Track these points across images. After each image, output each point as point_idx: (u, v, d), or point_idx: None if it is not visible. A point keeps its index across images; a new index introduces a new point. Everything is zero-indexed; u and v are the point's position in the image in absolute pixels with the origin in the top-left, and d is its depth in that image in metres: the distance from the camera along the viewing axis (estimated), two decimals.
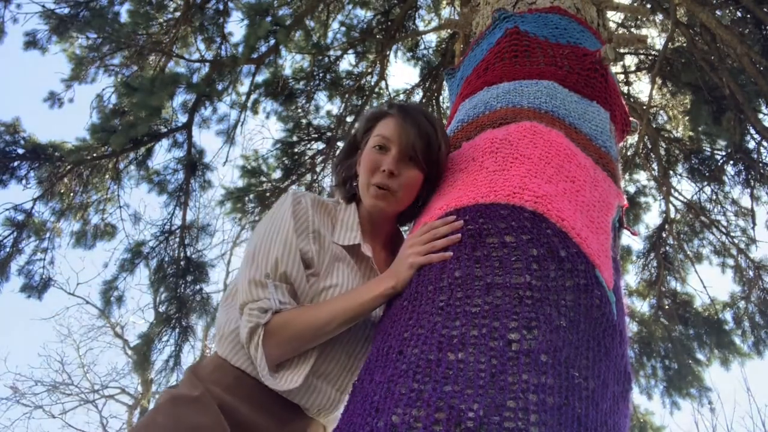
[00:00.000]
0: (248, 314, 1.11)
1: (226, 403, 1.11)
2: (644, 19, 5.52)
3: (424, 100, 6.06)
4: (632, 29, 5.64)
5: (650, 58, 5.75)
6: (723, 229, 5.58)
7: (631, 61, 5.95)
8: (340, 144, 5.59)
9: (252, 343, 1.10)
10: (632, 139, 5.55)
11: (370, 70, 5.92)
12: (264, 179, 5.42)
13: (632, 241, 6.02)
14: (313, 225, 1.23)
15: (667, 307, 5.75)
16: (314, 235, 1.23)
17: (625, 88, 5.78)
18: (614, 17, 5.47)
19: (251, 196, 5.36)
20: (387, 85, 5.94)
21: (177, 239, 5.12)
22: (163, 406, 1.10)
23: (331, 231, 1.28)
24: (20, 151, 4.63)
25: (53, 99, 5.50)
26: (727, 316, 5.63)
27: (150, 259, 5.06)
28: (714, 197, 5.59)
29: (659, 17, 5.54)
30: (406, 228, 1.53)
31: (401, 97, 6.06)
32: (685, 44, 5.16)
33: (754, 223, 5.25)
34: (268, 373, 1.09)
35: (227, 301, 1.29)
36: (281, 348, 1.11)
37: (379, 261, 1.35)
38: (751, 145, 5.14)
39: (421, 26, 6.26)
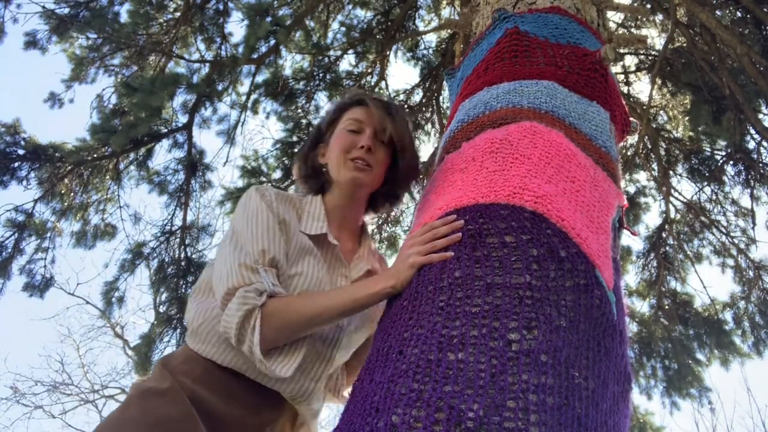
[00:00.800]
0: (243, 297, 1.10)
1: (196, 394, 1.11)
2: (644, 19, 5.52)
3: (424, 100, 6.06)
4: (632, 29, 5.64)
5: (650, 58, 5.75)
6: (723, 229, 5.58)
7: (631, 61, 5.95)
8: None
9: (248, 325, 1.08)
10: (632, 139, 5.55)
11: (370, 70, 5.92)
12: (264, 179, 5.42)
13: (632, 241, 6.03)
14: (279, 216, 1.25)
15: (667, 307, 5.75)
16: (281, 225, 1.24)
17: (625, 88, 5.78)
18: (614, 17, 5.47)
19: None
20: (387, 85, 5.94)
21: (177, 239, 5.13)
22: (132, 399, 1.10)
23: (297, 221, 1.30)
24: (21, 151, 4.63)
25: (53, 99, 5.50)
26: (727, 316, 5.63)
27: (151, 260, 5.06)
28: (714, 197, 5.59)
29: (659, 17, 5.54)
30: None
31: (401, 97, 6.07)
32: (685, 44, 5.16)
33: (754, 223, 5.25)
34: (262, 357, 1.08)
35: (196, 296, 1.29)
36: (274, 333, 1.10)
37: (345, 251, 1.35)
38: (751, 145, 5.14)
39: (421, 26, 6.27)
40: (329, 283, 1.27)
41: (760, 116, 4.65)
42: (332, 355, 1.26)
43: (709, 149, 5.61)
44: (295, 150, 5.60)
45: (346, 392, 1.45)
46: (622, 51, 5.43)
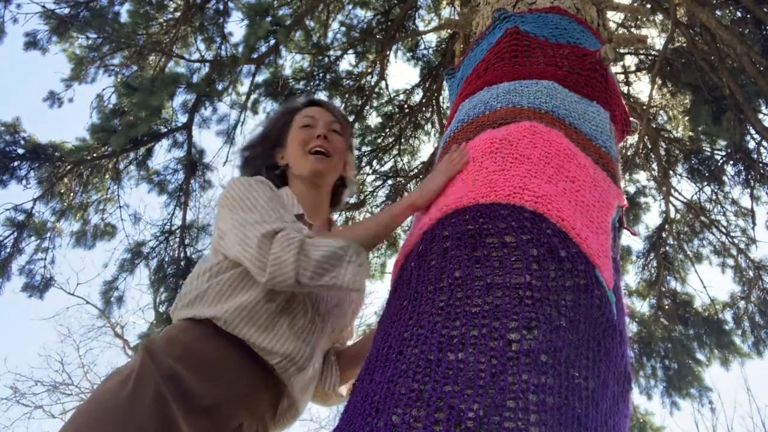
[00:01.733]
0: (285, 234, 1.12)
1: (174, 372, 1.07)
2: (644, 19, 5.52)
3: (424, 100, 6.06)
4: (632, 29, 5.64)
5: (650, 58, 5.75)
6: (723, 229, 5.58)
7: (631, 61, 5.95)
8: None
9: (306, 253, 1.11)
10: (632, 139, 5.55)
11: (370, 70, 5.92)
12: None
13: (632, 241, 6.03)
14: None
15: (667, 307, 5.75)
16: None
17: (625, 88, 5.78)
18: (614, 17, 5.46)
19: None
20: (387, 85, 5.94)
21: (177, 239, 5.12)
22: (87, 409, 1.04)
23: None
24: (20, 151, 4.63)
25: (53, 99, 5.50)
26: (727, 316, 5.63)
27: (150, 259, 5.06)
28: (714, 197, 5.59)
29: (659, 17, 5.54)
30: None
31: (401, 97, 6.07)
32: (685, 44, 5.16)
33: (754, 223, 5.25)
34: (324, 271, 1.12)
35: (201, 275, 1.27)
36: (318, 266, 1.12)
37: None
38: (751, 145, 5.14)
39: (421, 26, 6.27)
40: None
41: (760, 116, 4.65)
42: (324, 327, 1.30)
43: (709, 149, 5.61)
44: None
45: (342, 389, 1.45)
46: (622, 51, 5.43)
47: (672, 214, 5.75)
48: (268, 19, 4.61)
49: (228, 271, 1.23)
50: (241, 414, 1.13)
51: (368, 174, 5.88)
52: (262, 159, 1.51)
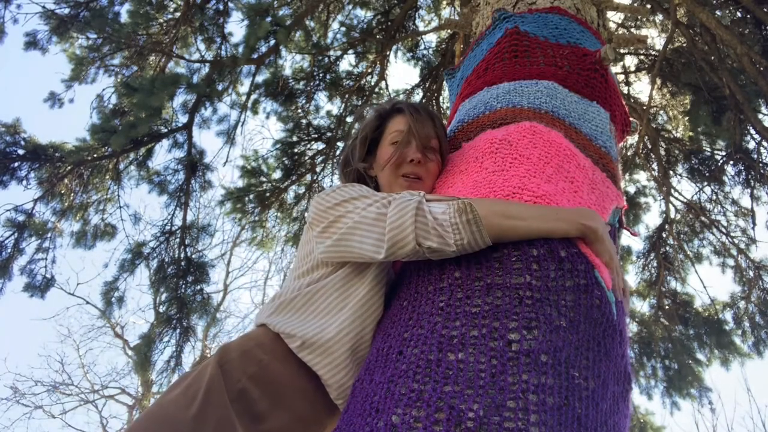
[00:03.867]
0: (401, 197, 1.06)
1: (245, 393, 1.04)
2: (644, 19, 5.52)
3: (424, 100, 6.06)
4: (632, 29, 5.64)
5: (650, 58, 5.75)
6: (723, 229, 5.58)
7: (631, 61, 5.95)
8: (341, 144, 5.59)
9: (419, 214, 1.01)
10: (632, 139, 5.55)
11: (370, 70, 5.92)
12: (264, 179, 5.43)
13: (632, 241, 6.03)
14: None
15: (667, 307, 5.75)
16: None
17: (625, 88, 5.78)
18: (614, 17, 5.46)
19: (251, 196, 5.36)
20: (387, 85, 5.94)
21: (177, 239, 5.13)
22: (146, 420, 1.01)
23: None
24: (21, 151, 4.63)
25: (53, 99, 5.50)
26: (727, 316, 5.63)
27: (150, 260, 5.06)
28: (714, 197, 5.59)
29: (659, 17, 5.54)
30: None
31: (401, 97, 6.06)
32: (685, 44, 5.16)
33: (754, 223, 5.25)
34: (451, 219, 1.00)
35: (301, 274, 1.20)
36: (438, 225, 1.02)
37: None
38: (751, 145, 5.14)
39: (421, 26, 6.27)
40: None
41: (760, 116, 4.65)
42: (364, 334, 1.17)
43: (709, 149, 5.61)
44: (295, 150, 5.60)
45: None
46: (622, 51, 5.43)
47: (672, 214, 5.75)
48: (268, 19, 4.61)
49: (326, 278, 1.16)
50: None
51: None
52: (358, 163, 1.40)
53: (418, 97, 6.11)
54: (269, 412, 1.05)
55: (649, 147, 5.76)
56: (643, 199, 6.06)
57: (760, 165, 5.12)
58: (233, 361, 1.07)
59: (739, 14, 4.80)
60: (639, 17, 5.45)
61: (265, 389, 1.05)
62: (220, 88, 5.22)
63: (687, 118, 5.48)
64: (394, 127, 1.37)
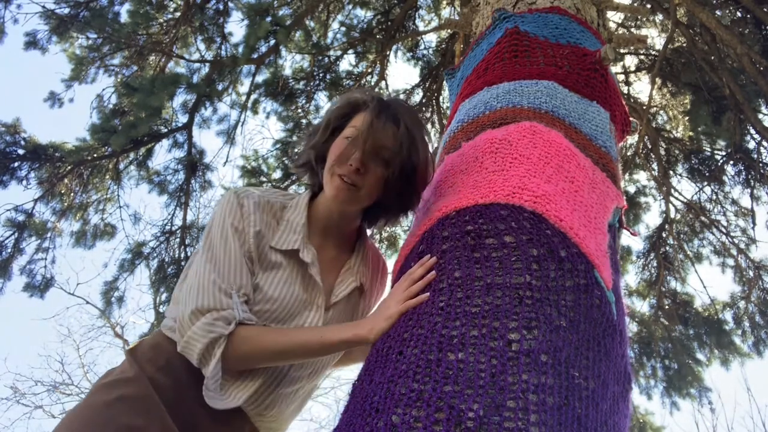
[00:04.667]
0: (211, 323, 1.08)
1: (156, 382, 1.11)
2: (644, 19, 5.52)
3: (424, 100, 6.06)
4: (632, 29, 5.64)
5: (650, 58, 5.75)
6: (723, 229, 5.58)
7: (631, 61, 5.96)
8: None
9: (211, 354, 1.07)
10: (632, 139, 5.55)
11: (370, 70, 5.92)
12: (264, 179, 5.43)
13: (632, 241, 6.03)
14: (254, 228, 1.20)
15: (667, 307, 5.75)
16: (255, 239, 1.19)
17: (625, 88, 5.78)
18: (614, 17, 5.47)
19: None
20: (387, 85, 5.94)
21: (177, 239, 5.13)
22: (98, 387, 1.11)
23: (272, 233, 1.23)
24: (21, 151, 4.63)
25: (53, 99, 5.51)
26: (727, 316, 5.63)
27: (150, 260, 5.06)
28: (714, 197, 5.59)
29: (659, 17, 5.55)
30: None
31: (401, 97, 6.06)
32: (685, 44, 5.17)
33: (754, 223, 5.25)
34: (217, 386, 1.08)
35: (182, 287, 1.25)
36: (237, 362, 1.10)
37: (326, 261, 1.29)
38: (751, 145, 5.14)
39: (421, 26, 6.27)
40: (300, 302, 1.22)
41: (760, 116, 4.66)
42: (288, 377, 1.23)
43: (709, 149, 5.61)
44: (296, 150, 5.60)
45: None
46: (622, 51, 5.43)
47: (672, 214, 5.76)
48: (268, 19, 4.62)
49: None
50: None
51: None
52: (317, 146, 1.31)
53: (418, 97, 6.12)
54: (176, 403, 1.11)
55: (649, 147, 5.76)
56: (643, 199, 6.06)
57: (760, 165, 5.13)
58: (144, 352, 1.16)
59: (739, 14, 4.81)
60: (639, 17, 5.45)
61: (172, 380, 1.13)
62: (220, 88, 5.23)
63: (687, 118, 5.48)
64: (357, 122, 1.23)
